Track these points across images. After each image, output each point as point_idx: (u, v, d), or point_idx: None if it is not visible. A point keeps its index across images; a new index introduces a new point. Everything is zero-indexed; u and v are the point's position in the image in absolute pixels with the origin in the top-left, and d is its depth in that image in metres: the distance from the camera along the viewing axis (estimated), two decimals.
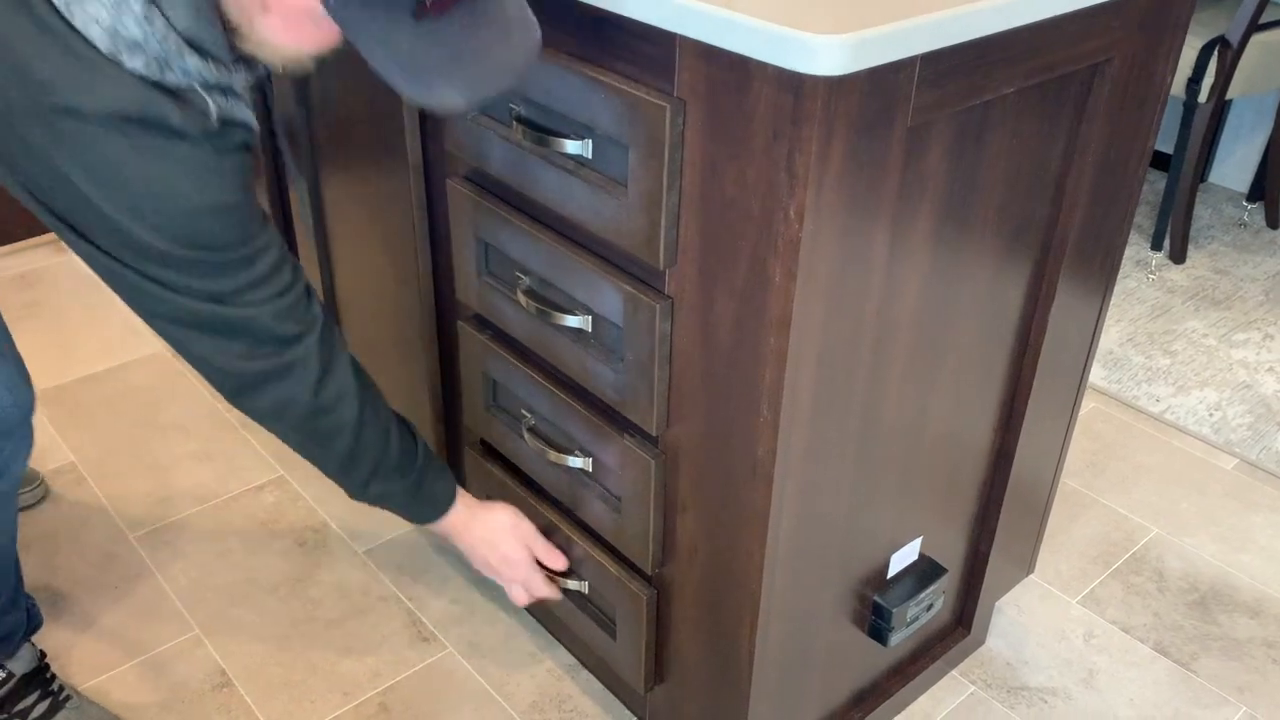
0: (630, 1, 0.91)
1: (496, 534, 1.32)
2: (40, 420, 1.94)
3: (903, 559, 1.28)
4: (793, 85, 0.83)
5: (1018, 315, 1.22)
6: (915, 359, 1.10)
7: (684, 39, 0.90)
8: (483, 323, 1.32)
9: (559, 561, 1.34)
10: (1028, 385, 1.28)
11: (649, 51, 0.94)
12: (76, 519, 1.74)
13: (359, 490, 1.23)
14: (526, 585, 1.35)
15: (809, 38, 0.78)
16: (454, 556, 1.66)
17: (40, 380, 2.05)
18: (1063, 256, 1.19)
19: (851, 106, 0.84)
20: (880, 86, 0.86)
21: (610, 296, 1.08)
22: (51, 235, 2.48)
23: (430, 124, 1.26)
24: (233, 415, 1.96)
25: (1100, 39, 1.05)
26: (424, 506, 1.29)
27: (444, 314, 1.41)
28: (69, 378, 2.06)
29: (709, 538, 1.12)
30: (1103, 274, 1.28)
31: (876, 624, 1.28)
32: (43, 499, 1.76)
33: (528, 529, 1.34)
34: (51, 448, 1.88)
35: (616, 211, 1.02)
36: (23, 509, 1.73)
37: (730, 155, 0.90)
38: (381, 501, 1.25)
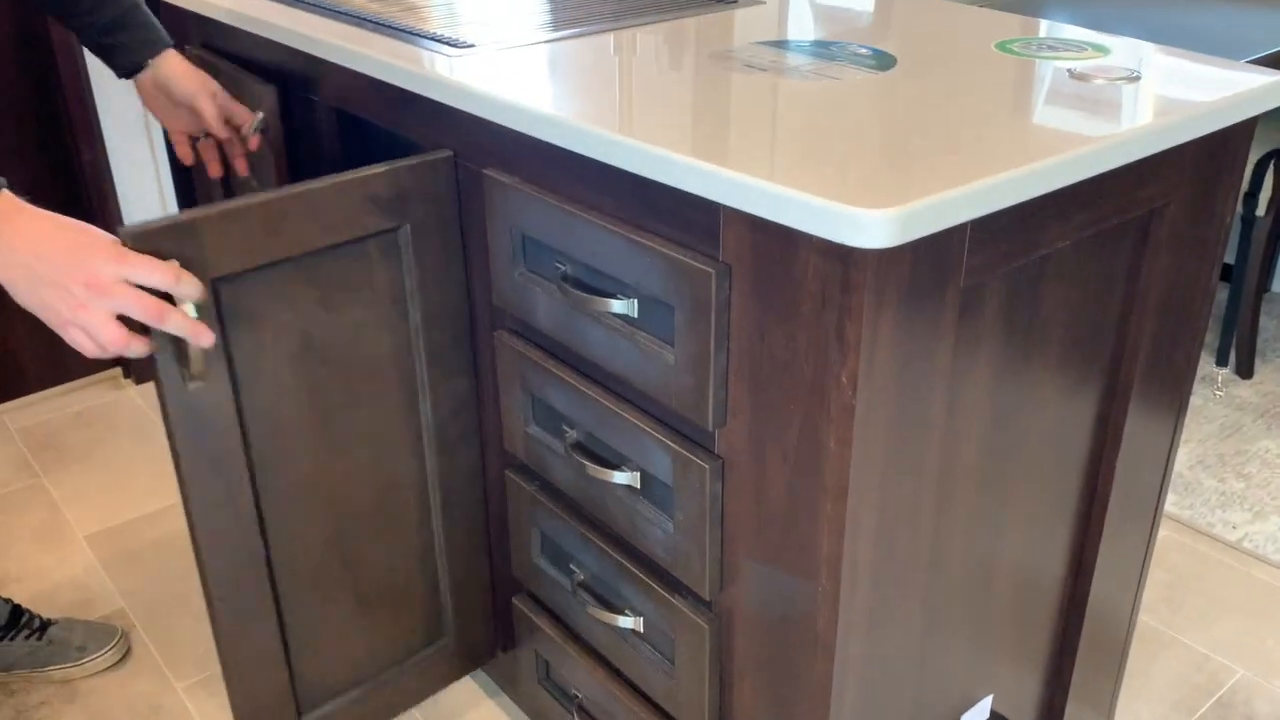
0: (676, 172, 0.90)
1: (56, 237, 0.93)
2: (93, 565, 1.94)
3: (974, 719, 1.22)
4: (841, 254, 0.81)
5: (1085, 454, 1.17)
6: (980, 508, 1.06)
7: (729, 207, 0.89)
8: (530, 474, 1.30)
9: (151, 311, 0.96)
10: (1099, 524, 1.23)
11: (693, 217, 0.93)
12: (125, 669, 1.72)
13: None
14: (90, 328, 0.94)
15: (857, 213, 0.76)
16: None
17: (94, 521, 2.06)
18: (1129, 392, 1.15)
19: (902, 273, 0.82)
20: (930, 253, 0.84)
21: (659, 454, 1.05)
22: (110, 372, 2.52)
23: (475, 274, 1.26)
24: None
25: (1156, 185, 1.02)
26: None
27: (490, 462, 1.39)
28: (122, 518, 2.07)
29: (768, 708, 1.06)
30: (1173, 405, 1.24)
31: None
32: (123, 659, 1.74)
33: (109, 247, 0.94)
34: (103, 593, 1.87)
35: (664, 371, 1.00)
36: (109, 669, 1.71)
37: (778, 320, 0.88)
38: None
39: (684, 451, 1.02)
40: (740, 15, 1.39)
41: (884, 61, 1.17)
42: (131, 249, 0.96)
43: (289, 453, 1.19)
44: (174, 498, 2.12)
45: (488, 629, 1.50)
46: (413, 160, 1.18)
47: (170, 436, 1.07)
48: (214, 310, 1.07)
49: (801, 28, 1.33)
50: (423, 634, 1.43)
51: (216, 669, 1.71)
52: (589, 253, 1.05)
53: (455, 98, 1.13)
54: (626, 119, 0.99)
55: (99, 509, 2.09)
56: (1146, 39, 1.27)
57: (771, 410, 0.92)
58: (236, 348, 1.11)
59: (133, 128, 2.34)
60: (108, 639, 1.71)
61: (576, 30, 1.32)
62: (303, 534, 1.24)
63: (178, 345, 1.04)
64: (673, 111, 1.00)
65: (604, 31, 1.31)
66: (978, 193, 0.81)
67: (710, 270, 0.91)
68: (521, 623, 1.41)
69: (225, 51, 1.63)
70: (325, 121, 1.45)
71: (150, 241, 0.98)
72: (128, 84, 1.46)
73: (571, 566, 1.27)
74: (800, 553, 0.95)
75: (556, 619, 1.36)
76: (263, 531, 1.20)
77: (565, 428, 1.19)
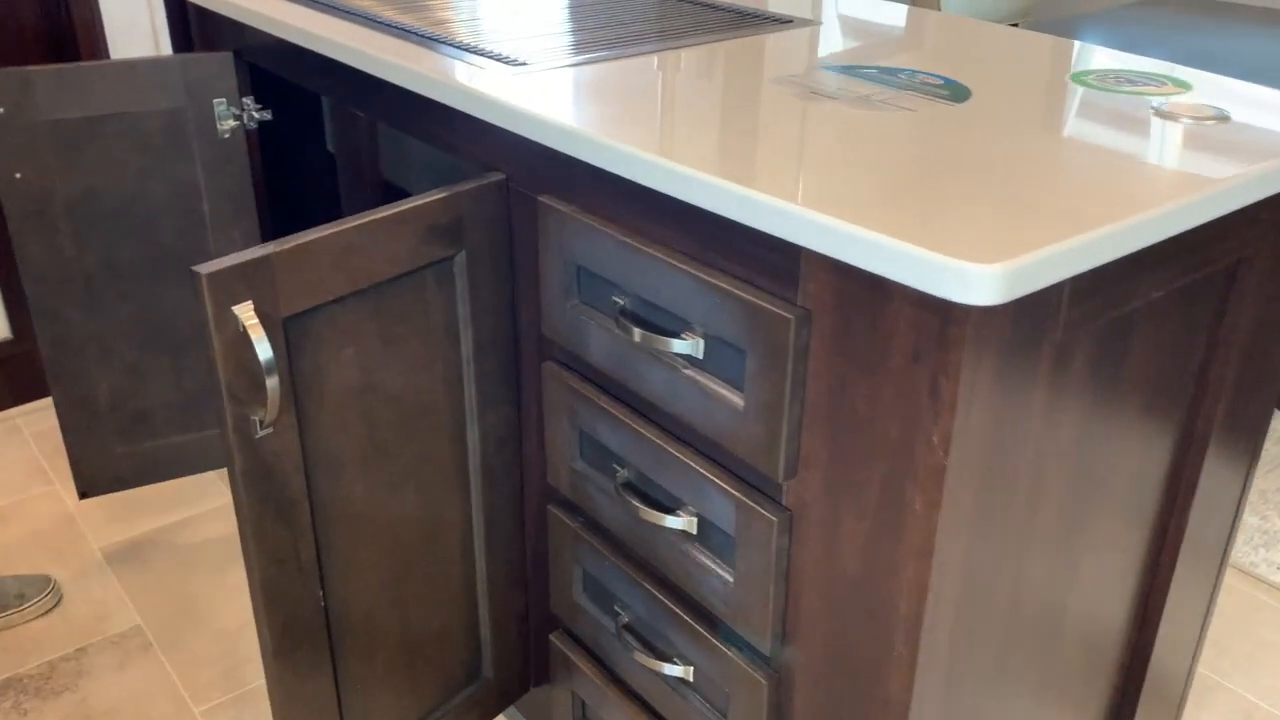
0: (758, 213, 0.85)
1: None
2: (108, 578, 1.89)
3: None
4: (939, 308, 0.76)
5: (1157, 502, 1.13)
6: (1055, 559, 1.01)
7: (811, 251, 0.84)
8: (574, 509, 1.25)
9: None
10: (1168, 573, 1.18)
11: (770, 258, 0.88)
12: (141, 690, 1.67)
13: None
14: None
15: (964, 267, 0.72)
16: None
17: (111, 533, 2.01)
18: (1206, 440, 1.10)
19: (1002, 329, 0.78)
20: (1031, 307, 0.79)
21: (720, 502, 1.00)
22: None
23: (523, 302, 1.21)
24: None
25: (1250, 232, 0.98)
26: None
27: (530, 495, 1.34)
28: (139, 529, 2.02)
29: None
30: (1247, 453, 1.19)
31: None
32: (57, 604, 1.81)
33: None
34: (119, 609, 1.82)
35: (731, 417, 0.95)
36: (43, 615, 1.79)
37: (863, 372, 0.84)
38: None
39: (749, 501, 0.97)
40: (797, 37, 1.34)
41: (957, 92, 1.13)
42: (206, 289, 0.92)
43: (347, 495, 1.14)
44: (192, 509, 2.07)
45: (522, 664, 1.45)
46: (469, 184, 1.13)
47: (237, 491, 1.02)
48: (284, 351, 1.02)
49: (863, 52, 1.28)
50: (463, 673, 1.38)
51: (237, 692, 1.66)
52: (651, 289, 1.00)
53: (513, 121, 1.09)
54: (697, 151, 0.94)
55: (115, 520, 2.05)
56: (1191, 64, 1.22)
57: (849, 465, 0.88)
58: (303, 389, 1.06)
59: None
60: (43, 586, 1.81)
61: (629, 50, 1.27)
62: (357, 579, 1.19)
63: (256, 393, 0.99)
64: (745, 143, 0.96)
65: (657, 51, 1.27)
66: (1087, 246, 0.77)
67: (789, 316, 0.86)
68: (558, 660, 1.36)
69: (258, 64, 1.59)
70: (366, 135, 1.41)
71: (224, 284, 0.94)
72: None
73: (616, 608, 1.22)
74: (874, 613, 0.90)
75: (596, 659, 1.32)
76: (321, 580, 1.15)
77: (616, 466, 1.14)
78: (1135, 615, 1.20)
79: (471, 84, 1.14)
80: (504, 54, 1.25)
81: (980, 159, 0.91)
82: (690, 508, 1.05)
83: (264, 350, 0.97)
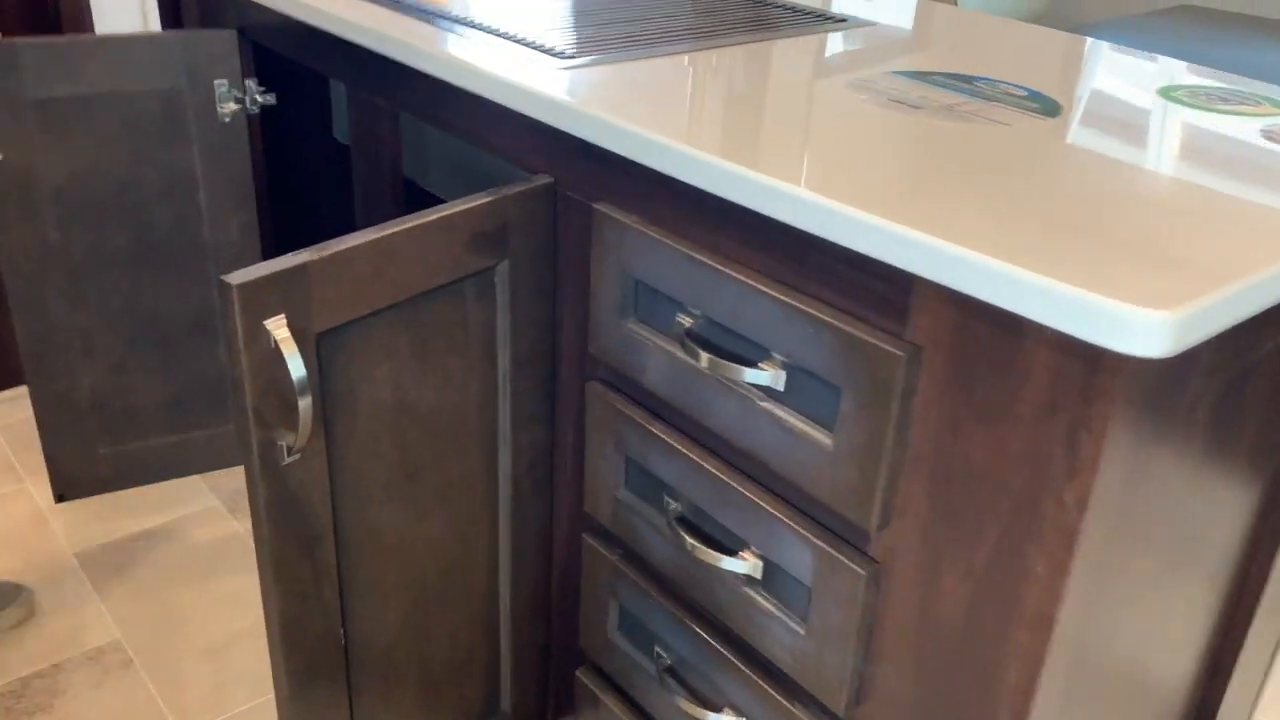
0: (866, 236, 0.76)
1: None
2: (84, 586, 1.78)
3: None
4: (1085, 355, 0.68)
5: (1242, 553, 1.06)
6: (1151, 616, 0.94)
7: (926, 280, 0.76)
8: (612, 540, 1.16)
9: None
10: (1244, 627, 1.11)
11: (874, 286, 0.80)
12: (121, 711, 1.56)
13: None
14: None
15: (1130, 312, 0.63)
16: None
17: (87, 537, 1.89)
18: None
19: (1150, 381, 0.70)
20: (1180, 357, 0.71)
21: (794, 547, 0.92)
22: None
23: (565, 315, 1.12)
24: None
25: None
26: None
27: (559, 521, 1.25)
28: (117, 533, 1.90)
29: None
30: None
31: None
32: (29, 615, 1.68)
33: None
34: (97, 621, 1.71)
35: (815, 457, 0.87)
36: (14, 627, 1.65)
37: (982, 419, 0.75)
38: None
39: (830, 550, 0.88)
40: (856, 38, 1.26)
41: (1046, 105, 1.04)
42: (237, 301, 0.82)
43: (374, 524, 1.04)
44: (174, 512, 1.96)
45: (542, 699, 1.36)
46: (516, 188, 1.04)
47: (259, 523, 0.92)
48: (316, 369, 0.92)
49: (928, 56, 1.20)
50: (481, 706, 1.29)
51: (226, 715, 1.56)
52: (726, 311, 0.91)
53: (568, 120, 0.99)
54: (783, 162, 0.85)
55: (91, 522, 1.93)
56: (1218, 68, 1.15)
57: (956, 519, 0.79)
58: (333, 410, 0.96)
59: None
60: (13, 596, 1.69)
61: (679, 45, 1.18)
62: (380, 613, 1.10)
63: (285, 415, 0.89)
64: (835, 155, 0.87)
65: (711, 47, 1.18)
66: (1251, 292, 0.69)
67: (897, 352, 0.78)
68: (585, 698, 1.27)
69: (265, 44, 1.48)
70: (386, 126, 1.31)
71: (256, 296, 0.83)
72: None
73: (657, 649, 1.13)
74: (976, 681, 0.82)
75: (628, 700, 1.23)
76: (343, 616, 1.05)
77: (667, 498, 1.05)
78: (1206, 669, 1.14)
79: (519, 77, 1.05)
80: (545, 44, 1.16)
81: (1100, 187, 0.83)
82: (755, 550, 0.96)
83: (297, 368, 0.87)
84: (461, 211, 0.99)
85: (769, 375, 0.89)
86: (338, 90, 1.82)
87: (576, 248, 1.07)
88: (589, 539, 1.17)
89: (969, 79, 1.13)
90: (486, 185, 1.54)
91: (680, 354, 0.97)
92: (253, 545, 1.88)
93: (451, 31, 1.20)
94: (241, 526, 1.92)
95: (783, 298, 0.86)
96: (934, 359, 0.77)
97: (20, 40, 1.48)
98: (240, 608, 1.75)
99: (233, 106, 1.62)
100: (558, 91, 1.01)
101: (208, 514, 1.96)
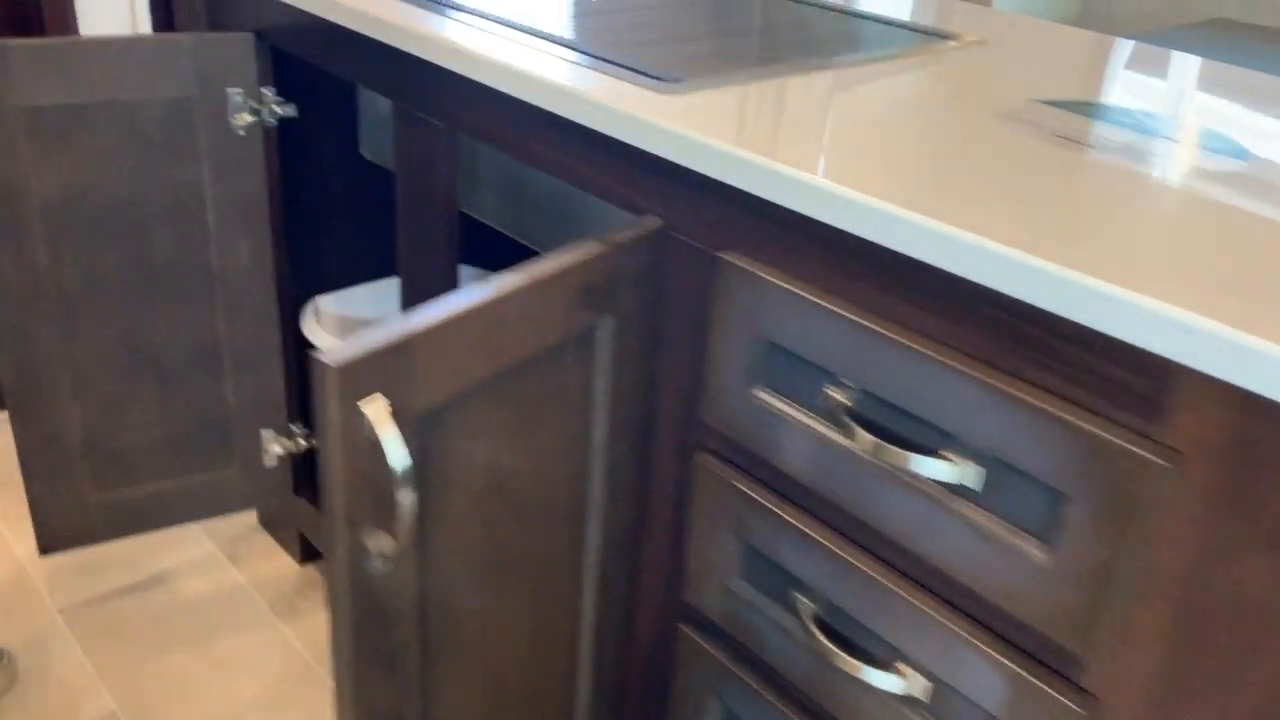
0: (1118, 315, 0.62)
1: None
2: (71, 648, 1.60)
3: None
4: None
5: None
6: None
7: (1196, 373, 0.62)
8: (717, 634, 1.02)
9: None
10: None
11: (1117, 374, 0.66)
12: None
13: None
14: None
15: None
16: None
17: (72, 591, 1.71)
18: None
19: None
20: None
21: (978, 670, 0.78)
22: None
23: (667, 374, 0.97)
24: (306, 646, 1.62)
25: None
26: None
27: (643, 605, 1.10)
28: (105, 585, 1.72)
29: None
30: None
31: None
32: (12, 682, 1.50)
33: None
34: (88, 688, 1.53)
35: (1019, 570, 0.73)
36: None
37: (1262, 543, 0.62)
38: None
39: (1030, 677, 0.74)
40: (974, 58, 1.12)
41: (1229, 146, 0.92)
42: (336, 385, 0.66)
43: (459, 628, 0.89)
44: (166, 560, 1.78)
45: None
46: (627, 234, 0.89)
47: (339, 638, 0.76)
48: (415, 457, 0.76)
49: (1060, 80, 1.06)
50: None
51: None
52: (897, 389, 0.77)
53: (692, 155, 0.85)
54: (970, 212, 0.71)
55: (76, 573, 1.74)
56: None
57: (1210, 656, 0.66)
58: (426, 504, 0.80)
59: None
60: None
61: (789, 65, 1.04)
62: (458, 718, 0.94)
63: (377, 513, 0.74)
64: (1029, 207, 0.73)
65: (820, 69, 1.04)
66: None
67: (1152, 458, 0.64)
68: None
69: (289, 49, 1.31)
70: (441, 151, 1.15)
71: (356, 377, 0.68)
72: None
73: None
74: None
75: None
76: None
77: (800, 596, 0.91)
78: None
79: (626, 103, 0.90)
80: (643, 66, 1.01)
81: None
82: (919, 666, 0.82)
83: (399, 458, 0.72)
84: (574, 265, 0.84)
85: (957, 470, 0.75)
86: (367, 100, 1.65)
87: (688, 300, 0.93)
88: (688, 630, 1.03)
89: (1124, 111, 0.99)
90: (529, 204, 1.38)
91: (830, 433, 0.83)
92: (258, 598, 1.71)
93: (529, 45, 1.05)
94: (244, 576, 1.75)
95: (987, 379, 0.72)
96: (1200, 468, 0.64)
97: (10, 42, 1.30)
98: (248, 673, 1.58)
99: (248, 118, 1.45)
100: (672, 119, 0.86)
101: (205, 562, 1.79)
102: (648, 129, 0.88)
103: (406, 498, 0.73)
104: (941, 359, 0.74)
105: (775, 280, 0.83)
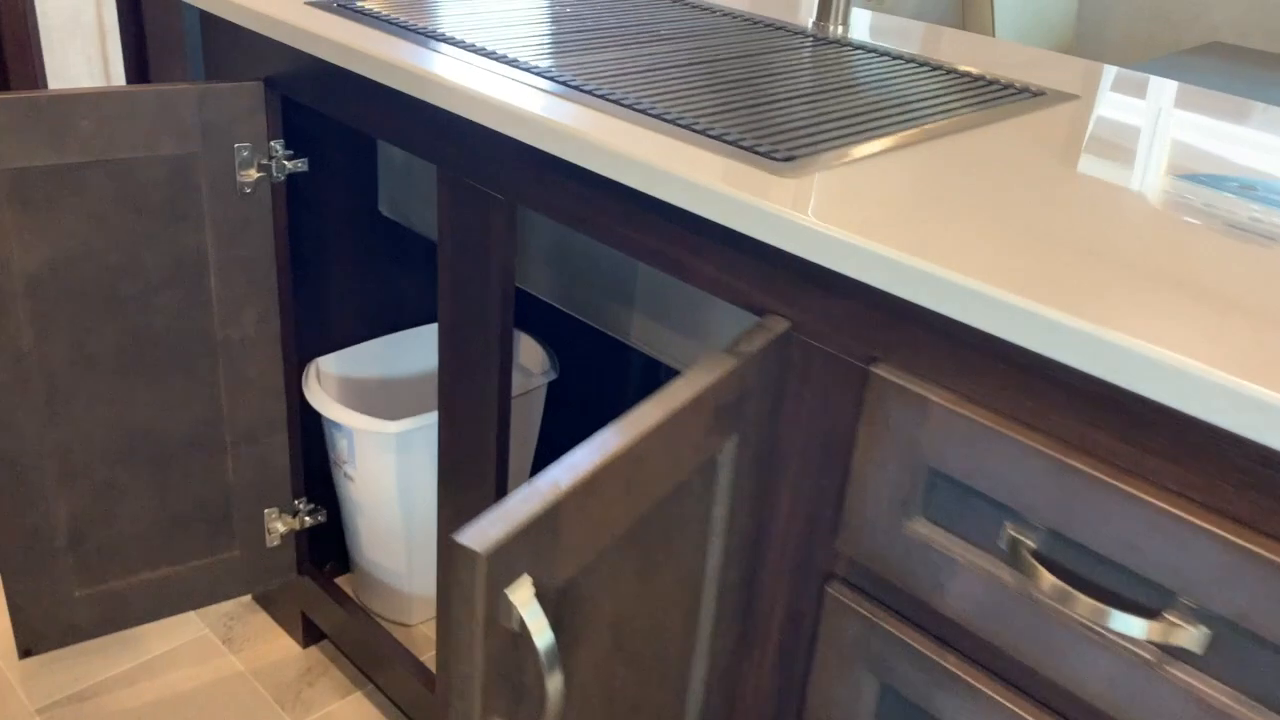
0: None
1: None
2: None
3: None
4: None
5: None
6: None
7: None
8: None
9: None
10: None
11: None
12: None
13: None
14: None
15: None
16: None
17: (50, 687, 1.55)
18: None
19: None
20: None
21: None
22: None
23: (782, 492, 0.86)
24: None
25: None
26: None
27: None
28: (86, 679, 1.57)
29: None
30: None
31: None
32: None
33: None
34: None
35: None
36: None
37: None
38: None
39: None
40: (1077, 118, 1.03)
41: None
42: (485, 576, 0.54)
43: None
44: (158, 647, 1.63)
45: None
46: (756, 342, 0.78)
47: None
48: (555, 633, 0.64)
49: (1187, 147, 0.98)
50: None
51: None
52: (1101, 535, 0.67)
53: (825, 252, 0.74)
54: (1182, 334, 0.61)
55: (53, 666, 1.58)
56: None
57: None
58: (563, 674, 0.68)
59: None
60: None
61: (887, 129, 0.94)
62: None
63: (514, 702, 0.62)
64: (1257, 330, 0.64)
65: (929, 139, 0.94)
66: None
67: None
68: None
69: (305, 102, 1.18)
70: (500, 225, 1.03)
71: (507, 563, 0.56)
72: None
73: None
74: None
75: None
76: None
77: None
78: None
79: (743, 192, 0.79)
80: (746, 140, 0.90)
81: None
82: None
83: (544, 639, 0.60)
84: (709, 386, 0.72)
85: (1178, 631, 0.65)
86: (387, 152, 1.52)
87: (819, 413, 0.82)
88: None
89: (1275, 189, 0.91)
90: (573, 273, 1.27)
91: (1007, 577, 0.72)
92: (260, 689, 1.56)
93: (591, 106, 0.93)
94: (242, 663, 1.61)
95: (1221, 532, 0.62)
96: None
97: None
98: None
99: (255, 174, 1.32)
100: (797, 208, 0.76)
101: (198, 647, 1.64)
102: (776, 223, 0.77)
103: (554, 684, 0.61)
104: (1163, 505, 0.64)
105: (946, 404, 0.72)
